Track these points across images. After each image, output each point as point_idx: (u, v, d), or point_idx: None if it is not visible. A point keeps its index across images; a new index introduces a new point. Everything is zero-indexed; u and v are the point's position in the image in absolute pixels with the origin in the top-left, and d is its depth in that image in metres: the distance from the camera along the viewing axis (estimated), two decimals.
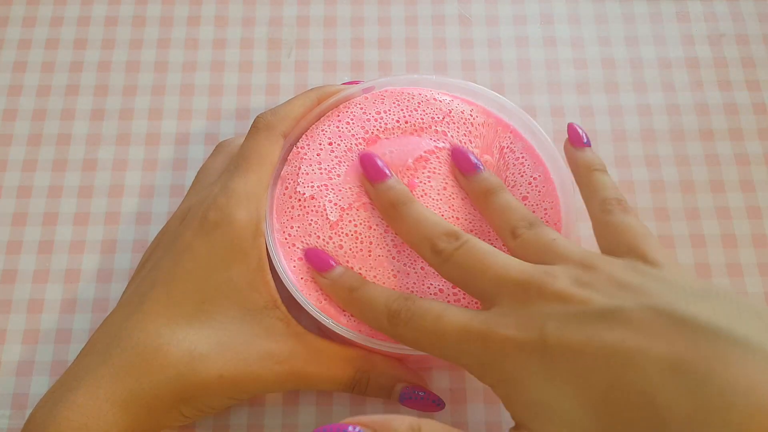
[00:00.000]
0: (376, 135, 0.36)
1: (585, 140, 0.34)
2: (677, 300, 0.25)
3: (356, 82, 0.39)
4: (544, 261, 0.29)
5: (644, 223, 0.29)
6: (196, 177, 0.37)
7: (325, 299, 0.33)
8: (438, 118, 0.36)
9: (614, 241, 0.30)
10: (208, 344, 0.31)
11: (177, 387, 0.30)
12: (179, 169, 0.42)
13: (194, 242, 0.32)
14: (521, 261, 0.29)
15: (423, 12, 0.46)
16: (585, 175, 0.33)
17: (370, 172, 0.34)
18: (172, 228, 0.34)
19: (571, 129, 0.35)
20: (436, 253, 0.30)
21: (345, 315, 0.33)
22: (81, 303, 0.38)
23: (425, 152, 0.36)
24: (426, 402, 0.33)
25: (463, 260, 0.29)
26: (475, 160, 0.35)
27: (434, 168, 0.35)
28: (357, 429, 0.23)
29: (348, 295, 0.32)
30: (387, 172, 0.34)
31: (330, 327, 0.32)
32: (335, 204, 0.35)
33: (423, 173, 0.35)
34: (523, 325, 0.26)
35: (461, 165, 0.35)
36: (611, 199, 0.31)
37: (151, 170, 0.41)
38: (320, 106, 0.36)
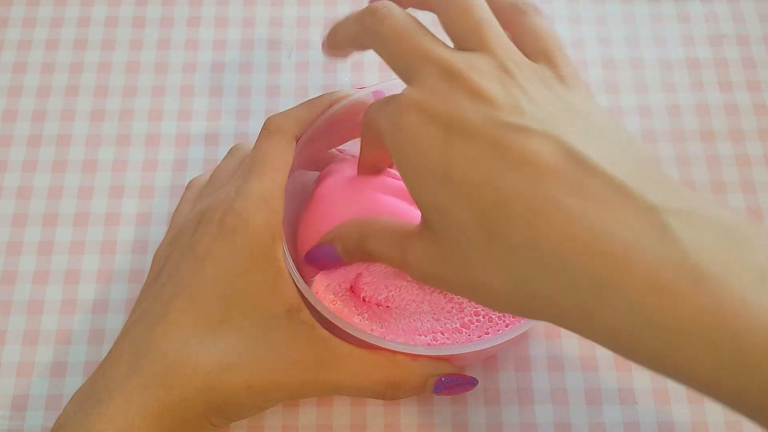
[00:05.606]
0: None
1: None
2: (576, 136, 0.26)
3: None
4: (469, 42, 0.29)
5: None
6: (210, 178, 0.37)
7: (340, 301, 0.33)
8: None
9: (530, 45, 0.30)
10: (236, 353, 0.30)
11: (207, 398, 0.30)
12: (179, 169, 0.41)
13: (214, 248, 0.31)
14: (447, 46, 0.29)
15: (423, 11, 0.46)
16: None
17: None
18: (188, 232, 0.33)
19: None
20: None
21: (357, 316, 0.33)
22: (81, 304, 0.38)
23: None
24: (462, 386, 0.33)
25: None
26: None
27: None
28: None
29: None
30: None
31: (343, 328, 0.31)
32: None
33: None
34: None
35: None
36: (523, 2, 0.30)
37: (151, 171, 0.41)
38: (331, 110, 0.35)
